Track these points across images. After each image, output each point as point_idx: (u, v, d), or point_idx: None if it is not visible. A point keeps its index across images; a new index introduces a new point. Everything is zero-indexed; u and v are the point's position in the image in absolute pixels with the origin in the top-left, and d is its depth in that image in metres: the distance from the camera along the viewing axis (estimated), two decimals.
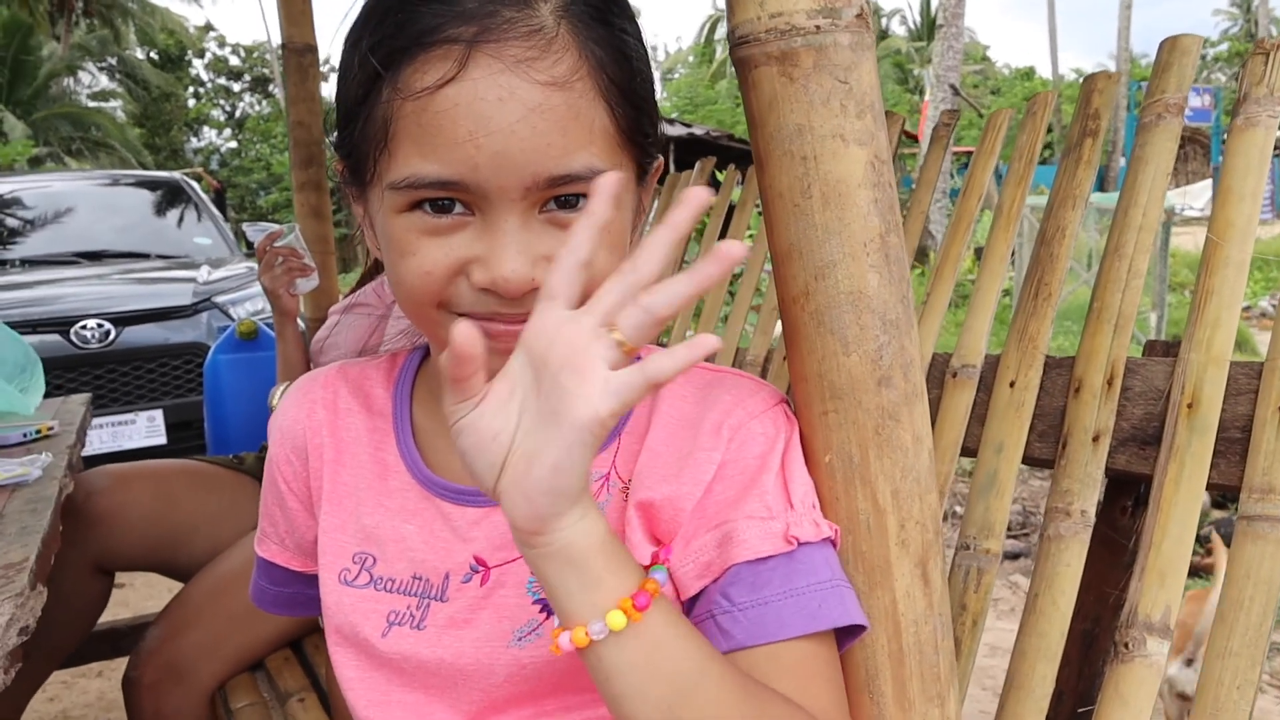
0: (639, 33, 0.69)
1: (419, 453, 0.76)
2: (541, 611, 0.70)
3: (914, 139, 15.90)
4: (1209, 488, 0.91)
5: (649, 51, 0.71)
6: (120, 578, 3.75)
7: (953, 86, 11.99)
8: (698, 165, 1.95)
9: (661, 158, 0.74)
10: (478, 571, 0.71)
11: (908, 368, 0.69)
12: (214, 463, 2.06)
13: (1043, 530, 0.98)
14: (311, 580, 0.80)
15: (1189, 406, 0.92)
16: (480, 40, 0.59)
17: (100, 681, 3.05)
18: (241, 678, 1.70)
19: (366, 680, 0.75)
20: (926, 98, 14.15)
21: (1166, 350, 1.01)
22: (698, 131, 15.95)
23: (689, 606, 0.68)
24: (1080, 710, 1.03)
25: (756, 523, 0.66)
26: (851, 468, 0.69)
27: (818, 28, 0.64)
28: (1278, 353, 0.89)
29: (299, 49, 2.58)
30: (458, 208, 0.63)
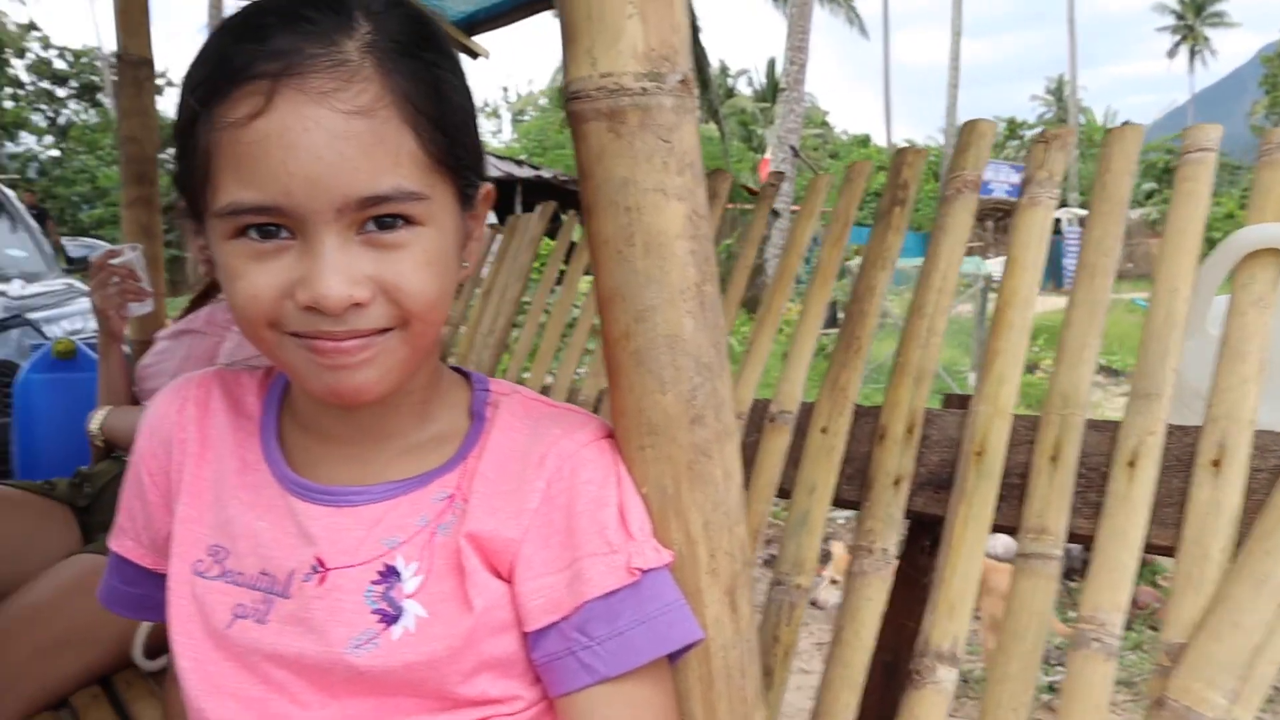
0: (453, 65, 0.72)
1: (281, 453, 0.79)
2: (380, 621, 0.71)
3: (754, 194, 16.47)
4: (995, 529, 1.00)
5: (466, 85, 0.74)
6: None
7: (793, 148, 12.52)
8: (538, 209, 1.99)
9: (490, 184, 0.78)
10: (318, 572, 0.73)
11: (719, 408, 0.74)
12: (21, 487, 1.94)
13: (849, 568, 1.05)
14: (162, 582, 0.81)
15: (977, 454, 1.01)
16: (285, 75, 0.63)
17: None
18: (43, 716, 1.60)
19: (201, 670, 0.75)
20: (767, 155, 14.67)
21: (962, 403, 1.10)
22: (545, 174, 16.07)
23: (535, 640, 0.72)
24: None
25: (601, 559, 0.70)
26: (666, 500, 0.73)
27: (644, 90, 0.69)
28: (1052, 407, 0.98)
29: (135, 61, 2.48)
30: (282, 233, 0.66)
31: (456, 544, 0.72)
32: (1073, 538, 0.95)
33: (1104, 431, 0.95)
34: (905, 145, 1.29)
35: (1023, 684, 0.91)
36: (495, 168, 15.68)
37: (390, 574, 0.72)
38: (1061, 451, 0.96)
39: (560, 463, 0.73)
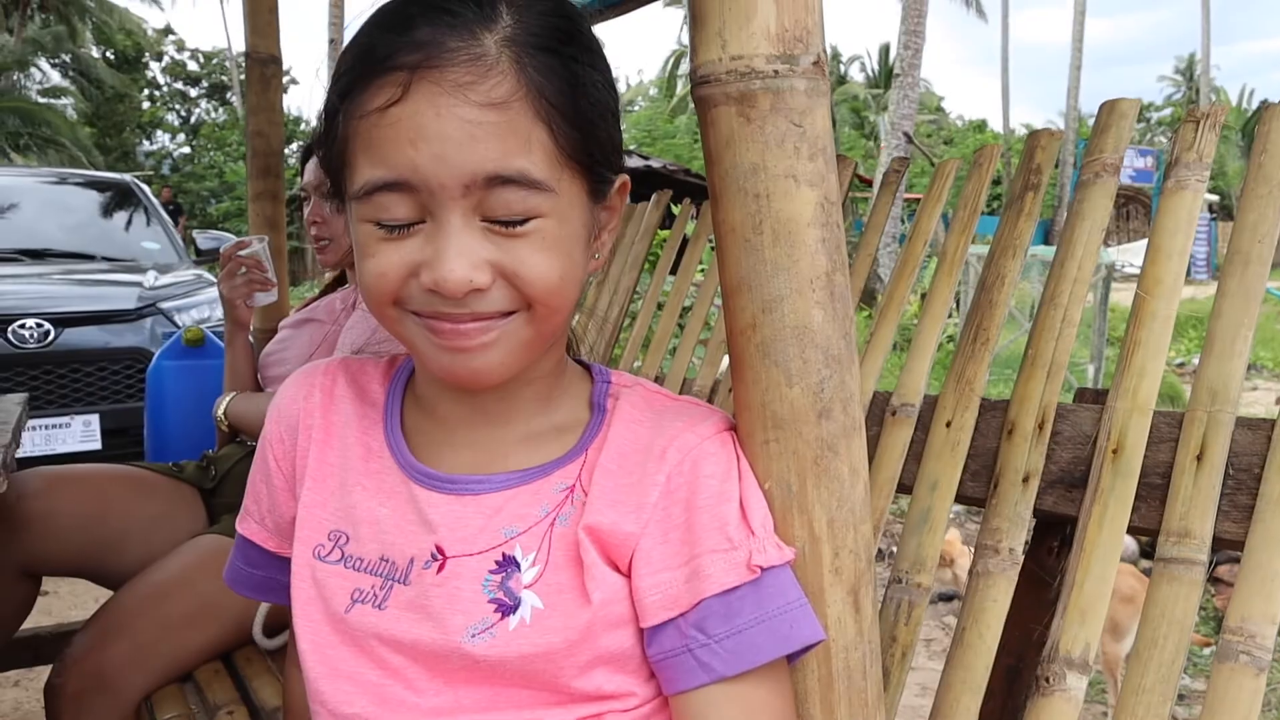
0: (596, 60, 0.72)
1: (404, 440, 0.80)
2: (496, 611, 0.72)
3: (867, 183, 16.17)
4: (1130, 531, 0.95)
5: (608, 79, 0.74)
6: (46, 585, 3.65)
7: (907, 135, 12.24)
8: (654, 197, 1.98)
9: (626, 176, 0.77)
10: (437, 559, 0.74)
11: (847, 402, 0.72)
12: (152, 469, 2.03)
13: (972, 567, 1.01)
14: (284, 566, 0.83)
15: (1114, 452, 0.96)
16: (424, 67, 0.65)
17: (17, 691, 2.96)
18: (169, 689, 1.67)
19: (320, 653, 0.77)
20: (882, 144, 14.43)
21: (1096, 397, 1.05)
22: (655, 164, 16.09)
23: (651, 636, 0.72)
24: None
25: (721, 555, 0.70)
26: (790, 496, 0.71)
27: (776, 72, 0.67)
28: (1198, 403, 0.93)
29: (262, 59, 2.57)
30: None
31: (575, 536, 0.72)
32: (1219, 543, 0.89)
33: (1257, 430, 0.89)
34: (1033, 130, 1.23)
35: (1160, 696, 0.86)
36: None
37: (508, 564, 0.73)
38: (1208, 450, 0.90)
39: (681, 456, 0.73)
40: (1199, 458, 0.91)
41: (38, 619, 2.50)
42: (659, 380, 1.75)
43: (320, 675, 0.77)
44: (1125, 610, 2.73)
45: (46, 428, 4.01)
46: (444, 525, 0.75)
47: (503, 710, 0.72)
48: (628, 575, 0.72)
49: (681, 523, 0.71)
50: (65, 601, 3.68)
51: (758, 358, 0.71)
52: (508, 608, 0.72)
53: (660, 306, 1.93)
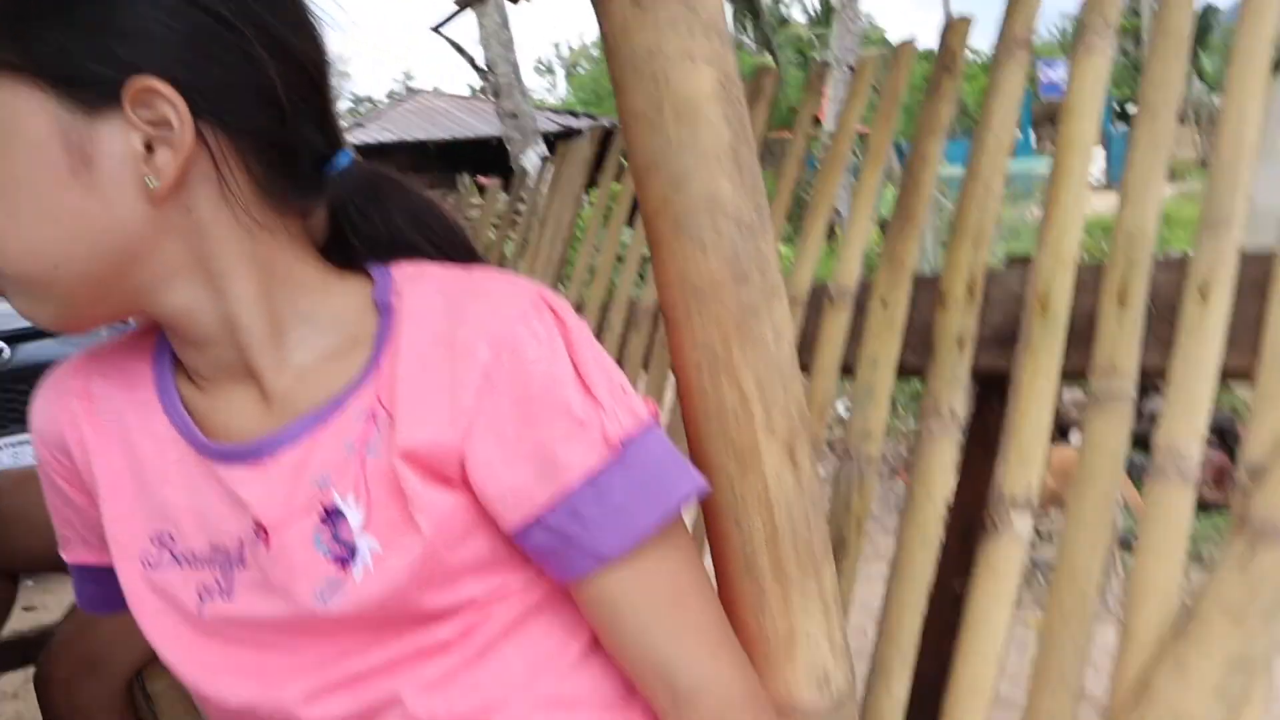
0: None
1: (190, 418, 0.71)
2: (339, 567, 0.65)
3: (817, 121, 16.17)
4: (1065, 376, 0.98)
5: None
6: (30, 599, 3.65)
7: (850, 67, 12.22)
8: (585, 132, 1.99)
9: (152, 80, 0.59)
10: (261, 535, 0.67)
11: (765, 267, 0.74)
12: None
13: (918, 430, 1.04)
14: None
15: (1042, 306, 0.99)
16: None
17: (17, 704, 2.95)
18: (159, 661, 1.68)
19: (191, 659, 0.71)
20: (826, 89, 14.35)
21: (1024, 263, 1.08)
22: (605, 123, 16.03)
23: (520, 535, 0.66)
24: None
25: (573, 440, 0.64)
26: (717, 361, 0.74)
27: None
28: (1117, 248, 0.96)
29: None
30: None
31: (390, 466, 0.64)
32: (1145, 376, 0.93)
33: (1173, 268, 0.93)
34: (950, 20, 1.26)
35: (1100, 524, 0.90)
36: (552, 121, 15.71)
37: (333, 514, 0.65)
38: (1129, 291, 0.94)
39: (495, 349, 0.63)
40: (1121, 301, 0.95)
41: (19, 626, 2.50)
42: (605, 309, 1.76)
43: (199, 680, 0.70)
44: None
45: (13, 446, 3.97)
46: (254, 499, 0.67)
47: (387, 643, 0.67)
48: (463, 484, 0.65)
49: (514, 416, 0.63)
50: (53, 613, 3.68)
51: (672, 234, 0.73)
52: (347, 559, 0.65)
53: (620, 259, 1.91)
